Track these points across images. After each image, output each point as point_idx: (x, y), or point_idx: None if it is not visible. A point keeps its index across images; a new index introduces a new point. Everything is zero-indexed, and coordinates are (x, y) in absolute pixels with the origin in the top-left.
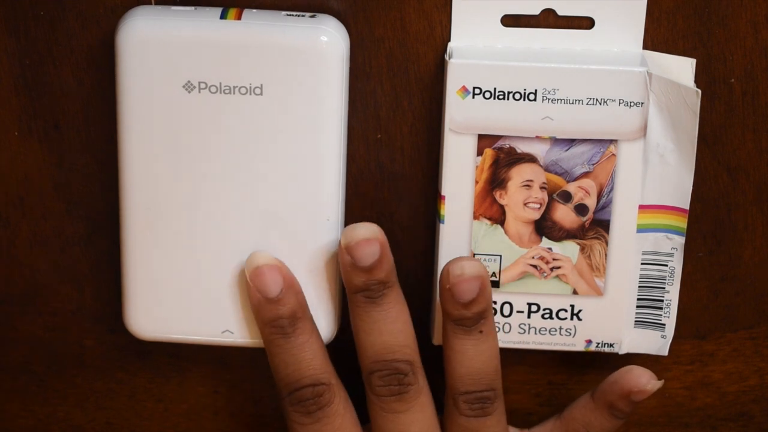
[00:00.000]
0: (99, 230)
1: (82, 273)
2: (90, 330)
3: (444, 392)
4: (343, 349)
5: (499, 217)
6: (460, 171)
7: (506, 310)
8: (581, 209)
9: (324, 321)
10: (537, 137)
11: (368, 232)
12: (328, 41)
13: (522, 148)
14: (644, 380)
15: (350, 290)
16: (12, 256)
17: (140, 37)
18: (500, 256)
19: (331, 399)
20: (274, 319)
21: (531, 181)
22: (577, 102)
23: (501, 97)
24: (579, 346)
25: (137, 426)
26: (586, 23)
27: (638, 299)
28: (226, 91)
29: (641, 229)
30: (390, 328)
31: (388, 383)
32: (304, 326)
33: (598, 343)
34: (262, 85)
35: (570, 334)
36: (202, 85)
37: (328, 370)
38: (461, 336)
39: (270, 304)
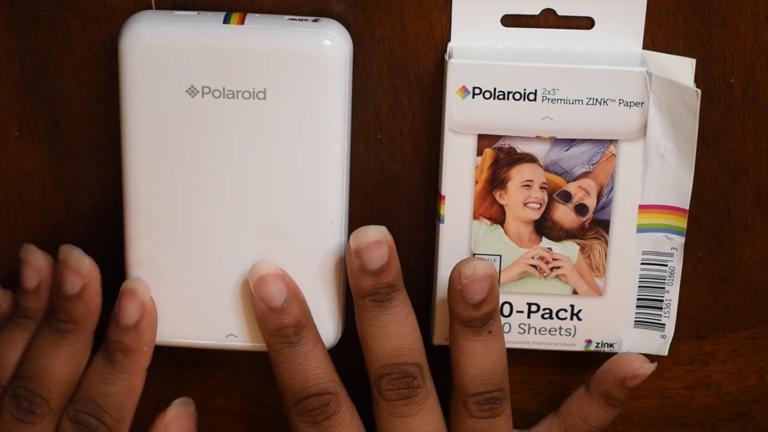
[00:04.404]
0: (99, 230)
1: None
2: None
3: (446, 393)
4: (344, 355)
5: (499, 217)
6: (460, 171)
7: (506, 310)
8: (581, 209)
9: (327, 325)
10: (537, 137)
11: (378, 234)
12: (331, 45)
13: (522, 148)
14: (637, 365)
15: (358, 294)
16: (12, 256)
17: (143, 42)
18: (500, 256)
19: (337, 408)
20: (278, 329)
21: (531, 181)
22: (577, 102)
23: (501, 97)
24: (579, 346)
25: (137, 426)
26: (586, 23)
27: (638, 299)
28: (230, 96)
29: (641, 229)
30: (399, 331)
31: (397, 387)
32: (308, 335)
33: (598, 343)
34: (265, 89)
35: (570, 334)
36: (206, 90)
37: (333, 378)
38: (470, 337)
39: (274, 313)
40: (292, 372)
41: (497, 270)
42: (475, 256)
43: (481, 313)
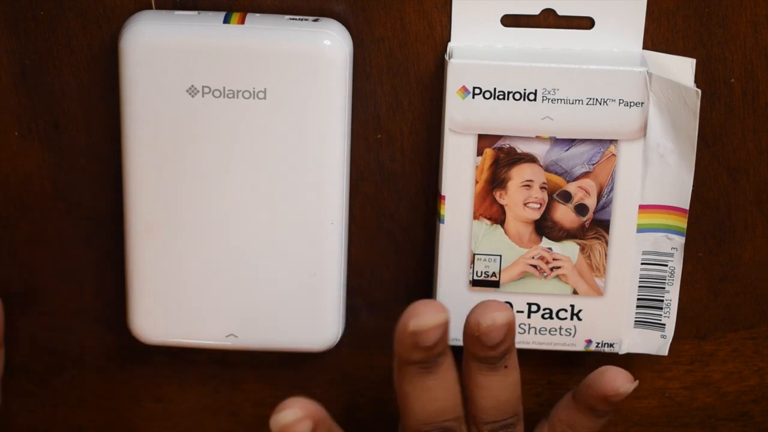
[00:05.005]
0: (99, 230)
1: (83, 273)
2: (90, 330)
3: None
4: (344, 355)
5: (499, 217)
6: (460, 171)
7: None
8: (581, 209)
9: (327, 325)
10: (537, 137)
11: (438, 320)
12: (331, 45)
13: (522, 148)
14: (618, 383)
15: (404, 361)
16: (12, 256)
17: (144, 42)
18: (500, 256)
19: None
20: None
21: (531, 181)
22: (577, 102)
23: (501, 97)
24: (579, 346)
25: (137, 426)
26: (586, 23)
27: (638, 299)
28: (230, 96)
29: (641, 229)
30: (444, 395)
31: None
32: None
33: (598, 343)
34: (265, 89)
35: (570, 334)
36: (206, 90)
37: None
38: (486, 372)
39: None
40: None
41: (511, 309)
42: (475, 255)
43: (498, 351)
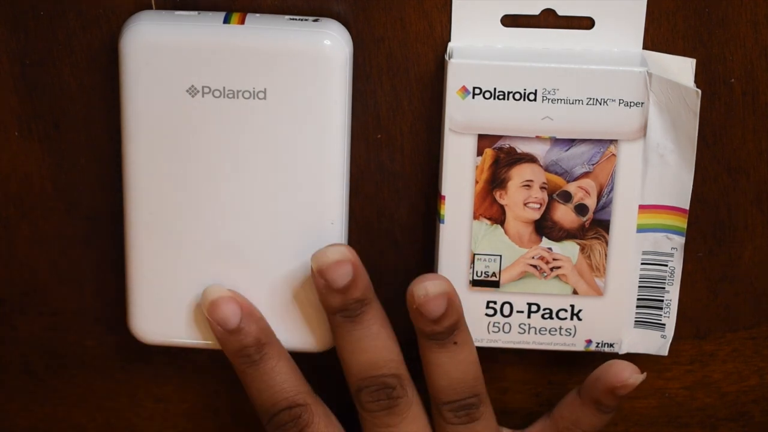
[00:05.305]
0: (99, 230)
1: (82, 273)
2: (90, 330)
3: None
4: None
5: (499, 217)
6: (460, 171)
7: (506, 310)
8: (581, 209)
9: (327, 325)
10: (537, 137)
11: (338, 254)
12: (331, 45)
13: (522, 148)
14: (626, 374)
15: (328, 311)
16: (12, 256)
17: (144, 42)
18: (500, 256)
19: (310, 419)
20: (239, 350)
21: (531, 181)
22: (577, 102)
23: (501, 97)
24: (579, 346)
25: (137, 426)
26: (586, 23)
27: (638, 299)
28: (230, 96)
29: (641, 229)
30: (373, 345)
31: (377, 398)
32: (270, 351)
33: (598, 343)
34: (265, 89)
35: (570, 334)
36: (206, 90)
37: (302, 390)
38: (436, 350)
39: (233, 335)
40: (260, 390)
41: (451, 283)
42: (475, 255)
43: (443, 327)
